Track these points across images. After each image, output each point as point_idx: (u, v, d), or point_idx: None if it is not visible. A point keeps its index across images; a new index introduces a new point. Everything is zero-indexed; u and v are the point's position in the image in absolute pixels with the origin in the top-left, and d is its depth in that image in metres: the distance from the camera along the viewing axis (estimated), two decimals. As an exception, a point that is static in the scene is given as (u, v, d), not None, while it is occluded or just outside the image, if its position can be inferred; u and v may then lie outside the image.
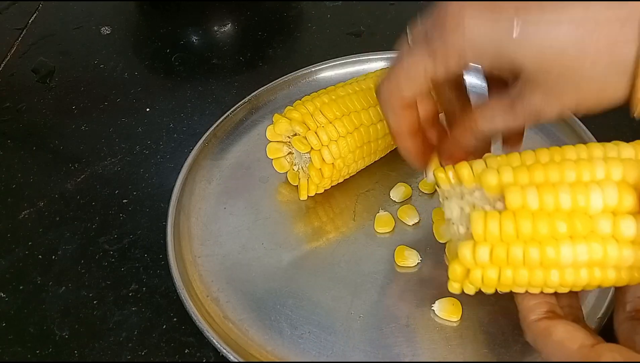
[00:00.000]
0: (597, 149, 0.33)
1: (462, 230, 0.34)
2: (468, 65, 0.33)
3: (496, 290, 0.34)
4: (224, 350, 0.39)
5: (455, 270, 0.33)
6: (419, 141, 0.38)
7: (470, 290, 0.34)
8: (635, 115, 0.31)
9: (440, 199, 0.36)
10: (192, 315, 0.41)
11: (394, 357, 0.39)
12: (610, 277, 0.31)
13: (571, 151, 0.33)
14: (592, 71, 0.30)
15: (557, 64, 0.30)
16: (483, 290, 0.34)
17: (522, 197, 0.31)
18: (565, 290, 0.33)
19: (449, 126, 0.41)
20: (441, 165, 0.38)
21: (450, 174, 0.35)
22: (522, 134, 0.40)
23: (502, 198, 0.32)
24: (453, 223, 0.34)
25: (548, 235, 0.31)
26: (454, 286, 0.35)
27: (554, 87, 0.31)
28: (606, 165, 0.31)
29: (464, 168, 0.34)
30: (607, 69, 0.30)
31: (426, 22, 0.34)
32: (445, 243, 0.38)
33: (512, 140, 0.40)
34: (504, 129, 0.35)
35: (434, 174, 0.36)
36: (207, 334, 0.40)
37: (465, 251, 0.32)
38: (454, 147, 0.37)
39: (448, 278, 0.35)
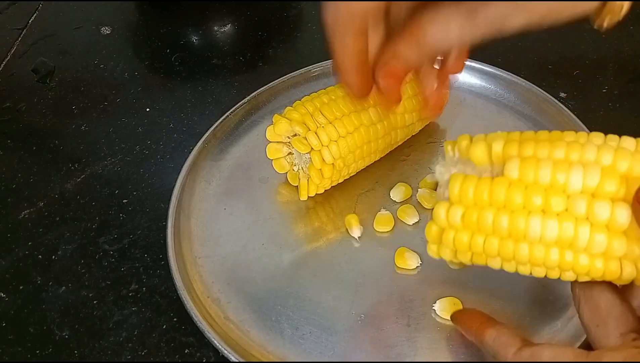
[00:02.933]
0: (597, 137, 0.32)
1: (446, 193, 0.33)
2: None
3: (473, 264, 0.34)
4: (225, 351, 0.39)
5: (430, 230, 0.34)
6: (367, 72, 0.33)
7: (446, 255, 0.35)
8: (596, 25, 0.29)
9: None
10: (193, 316, 0.41)
11: (395, 357, 0.39)
12: (583, 264, 0.31)
13: (571, 136, 0.32)
14: None
15: None
16: (459, 257, 0.34)
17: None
18: (541, 272, 0.32)
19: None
20: (376, 83, 0.33)
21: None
22: (465, 56, 0.36)
23: (489, 169, 0.32)
24: (440, 186, 0.35)
25: (520, 206, 0.31)
26: (432, 249, 0.35)
27: None
28: (598, 150, 0.31)
29: (464, 140, 0.34)
30: None
31: None
32: None
33: (454, 64, 0.36)
34: (458, 42, 0.30)
35: (444, 146, 0.36)
36: (208, 335, 0.40)
37: (440, 210, 0.33)
38: (394, 62, 0.31)
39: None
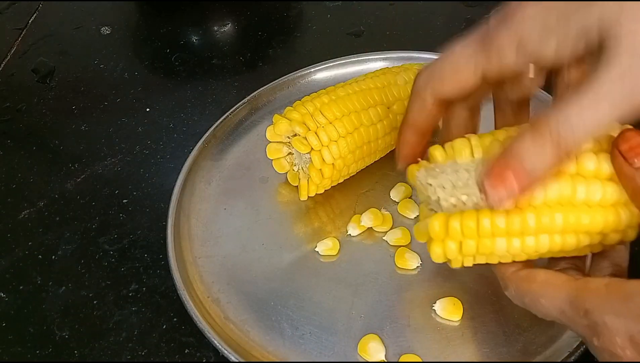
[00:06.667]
0: None
1: (452, 200, 0.32)
2: (528, 57, 0.29)
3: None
4: (225, 351, 0.39)
5: (433, 225, 0.32)
6: (423, 142, 0.36)
7: (452, 251, 0.33)
8: None
9: (422, 181, 0.33)
10: (193, 316, 0.41)
11: (394, 357, 0.39)
12: (584, 222, 0.32)
13: None
14: None
15: None
16: (465, 250, 0.33)
17: None
18: (546, 242, 0.33)
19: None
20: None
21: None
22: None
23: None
24: (440, 198, 0.33)
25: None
26: (436, 252, 0.33)
27: None
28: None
29: (463, 143, 0.33)
30: None
31: (488, 21, 0.31)
32: None
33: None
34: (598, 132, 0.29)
35: (430, 152, 0.34)
36: (208, 335, 0.40)
37: (434, 223, 0.32)
38: (516, 164, 0.29)
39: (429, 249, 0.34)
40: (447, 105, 0.34)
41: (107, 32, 0.69)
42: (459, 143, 0.33)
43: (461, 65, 0.31)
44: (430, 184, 0.33)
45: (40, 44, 0.68)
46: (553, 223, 0.31)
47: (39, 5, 0.73)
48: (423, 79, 0.33)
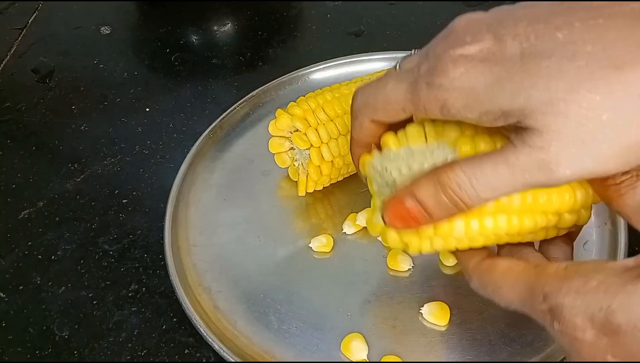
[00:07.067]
0: None
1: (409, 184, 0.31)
2: (452, 118, 0.30)
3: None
4: (210, 339, 0.39)
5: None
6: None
7: (408, 236, 0.32)
8: None
9: (377, 166, 0.33)
10: (182, 303, 0.41)
11: (376, 357, 0.39)
12: (541, 223, 0.32)
13: None
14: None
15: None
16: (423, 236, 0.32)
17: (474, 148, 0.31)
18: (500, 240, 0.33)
19: None
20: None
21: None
22: None
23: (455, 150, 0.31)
24: (398, 182, 0.32)
25: None
26: (392, 237, 0.32)
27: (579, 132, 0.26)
28: None
29: (416, 129, 0.33)
30: None
31: (421, 55, 0.30)
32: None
33: None
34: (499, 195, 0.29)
35: (382, 139, 0.34)
36: (195, 322, 0.40)
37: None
38: (409, 203, 0.30)
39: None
40: (385, 124, 0.34)
41: (107, 32, 0.69)
42: (412, 129, 0.33)
43: (391, 103, 0.32)
44: (386, 168, 0.32)
45: (40, 44, 0.68)
46: (511, 203, 0.31)
47: (39, 5, 0.73)
48: (358, 102, 0.34)
